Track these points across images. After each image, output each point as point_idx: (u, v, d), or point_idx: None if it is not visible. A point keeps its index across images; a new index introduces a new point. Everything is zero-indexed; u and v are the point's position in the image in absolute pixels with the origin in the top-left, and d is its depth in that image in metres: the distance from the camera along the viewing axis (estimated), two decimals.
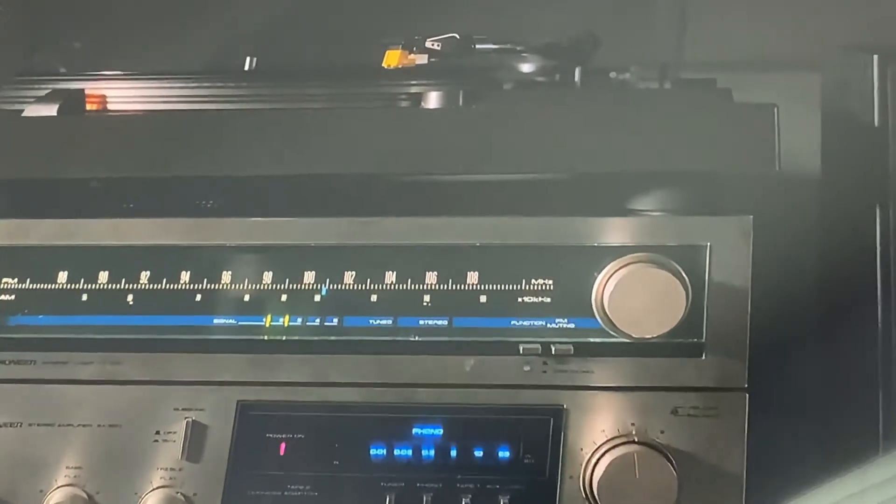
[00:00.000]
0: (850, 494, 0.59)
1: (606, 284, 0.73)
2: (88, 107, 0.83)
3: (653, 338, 0.73)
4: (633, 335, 0.73)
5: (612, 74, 0.98)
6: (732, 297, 0.74)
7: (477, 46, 0.89)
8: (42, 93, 0.82)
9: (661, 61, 0.95)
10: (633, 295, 0.72)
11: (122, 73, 0.88)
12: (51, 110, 0.79)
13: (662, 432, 0.75)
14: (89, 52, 1.11)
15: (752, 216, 0.74)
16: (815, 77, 0.99)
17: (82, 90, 0.83)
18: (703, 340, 0.75)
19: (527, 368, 0.76)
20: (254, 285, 0.77)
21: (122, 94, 0.85)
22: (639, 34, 1.09)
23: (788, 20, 1.08)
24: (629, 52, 1.01)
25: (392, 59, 0.88)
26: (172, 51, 1.10)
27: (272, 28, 1.12)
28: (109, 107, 0.84)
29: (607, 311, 0.73)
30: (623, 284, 0.72)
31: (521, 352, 0.76)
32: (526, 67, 0.95)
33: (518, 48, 0.91)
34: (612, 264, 0.74)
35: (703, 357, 0.75)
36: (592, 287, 0.74)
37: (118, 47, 1.11)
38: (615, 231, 0.75)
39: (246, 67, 0.97)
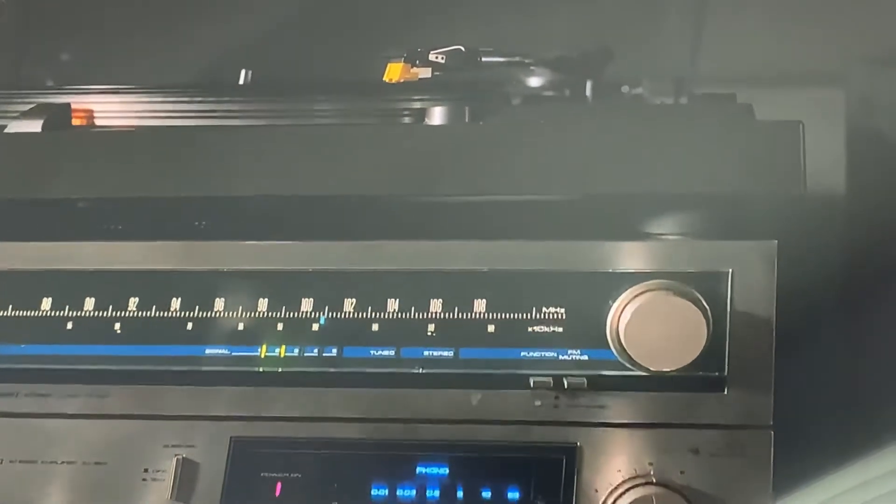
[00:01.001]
0: (851, 487, 0.59)
1: (622, 314, 0.71)
2: (75, 122, 0.81)
3: (672, 371, 0.70)
4: (651, 368, 0.70)
5: (624, 88, 0.96)
6: (756, 327, 0.71)
7: (483, 59, 0.87)
8: (27, 107, 0.80)
9: (676, 75, 0.92)
10: (651, 325, 0.69)
11: (111, 86, 0.85)
12: (35, 126, 0.77)
13: (682, 472, 0.72)
14: (78, 64, 1.10)
15: (776, 241, 0.71)
16: (838, 92, 0.96)
17: (68, 104, 0.81)
18: (725, 374, 0.72)
19: (538, 403, 0.73)
20: (248, 313, 0.75)
21: (110, 109, 0.83)
22: (650, 46, 1.07)
23: (809, 32, 1.05)
24: (640, 64, 0.99)
25: (394, 72, 0.86)
26: (164, 63, 1.09)
27: (268, 40, 1.11)
28: (97, 122, 0.82)
29: (623, 342, 0.70)
30: (640, 314, 0.70)
31: (531, 385, 0.73)
32: (534, 81, 0.94)
33: (526, 61, 0.89)
34: (627, 292, 0.71)
35: (726, 392, 0.72)
36: (607, 316, 0.72)
37: (107, 59, 1.10)
38: (631, 256, 0.72)
39: (241, 81, 0.95)
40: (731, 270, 0.71)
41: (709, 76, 1.04)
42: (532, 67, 0.91)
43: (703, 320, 0.69)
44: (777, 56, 1.05)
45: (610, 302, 0.72)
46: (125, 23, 1.12)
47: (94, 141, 0.77)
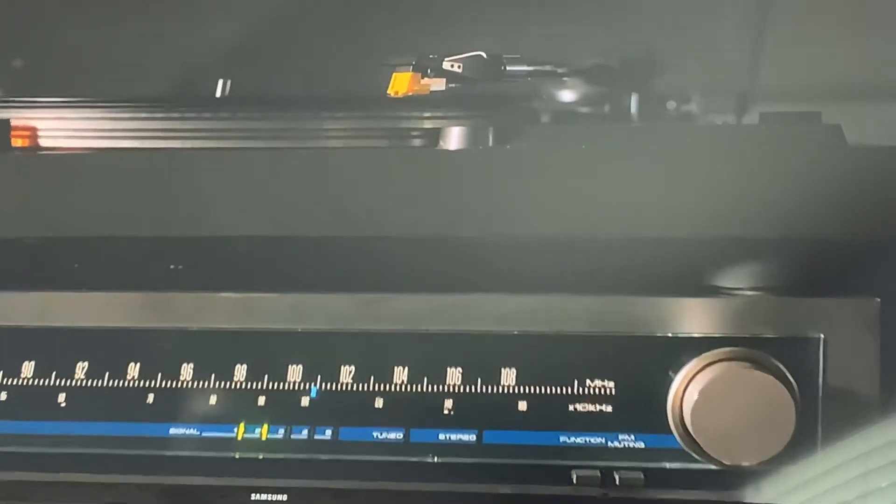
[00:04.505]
0: (853, 457, 0.59)
1: (687, 390, 0.65)
2: (15, 142, 0.75)
3: (751, 465, 0.64)
4: (725, 461, 0.64)
5: (671, 104, 0.91)
6: (856, 407, 0.65)
7: (508, 68, 0.80)
8: None
9: (735, 88, 0.89)
10: (724, 405, 0.63)
11: (61, 99, 0.78)
12: None
13: None
14: (33, 71, 1.05)
15: (878, 298, 0.65)
16: None
17: (7, 121, 0.74)
18: None
19: None
20: (223, 383, 0.69)
21: (59, 127, 0.76)
22: (700, 55, 1.00)
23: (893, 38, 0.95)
24: (689, 76, 0.93)
25: (401, 84, 0.79)
26: (127, 71, 1.03)
27: (250, 45, 1.05)
28: (42, 142, 0.75)
29: (689, 426, 0.64)
30: (709, 391, 0.63)
31: (574, 480, 0.66)
32: (567, 95, 0.89)
33: (559, 70, 0.83)
34: (693, 363, 0.65)
35: None
36: (668, 393, 0.66)
37: (67, 67, 1.04)
38: (697, 316, 0.66)
39: (217, 93, 0.89)
40: (822, 336, 0.65)
41: (771, 90, 0.95)
42: (564, 78, 0.86)
43: (790, 400, 0.63)
44: (854, 67, 0.98)
45: (671, 374, 0.66)
46: (87, 26, 1.07)
47: (39, 166, 0.71)
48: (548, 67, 0.83)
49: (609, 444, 0.66)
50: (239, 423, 0.68)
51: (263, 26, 1.05)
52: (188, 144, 0.74)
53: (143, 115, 0.76)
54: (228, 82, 0.89)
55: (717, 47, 1.01)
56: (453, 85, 0.81)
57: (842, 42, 0.98)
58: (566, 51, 0.87)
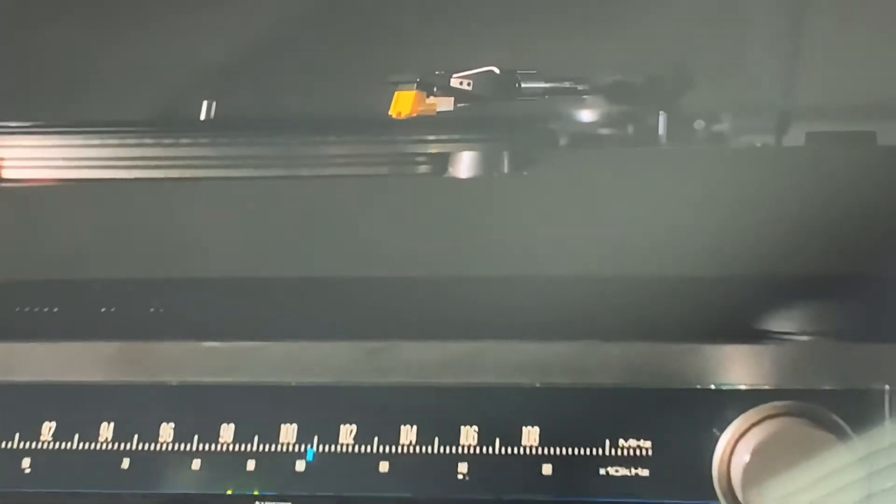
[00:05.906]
0: (858, 458, 0.57)
1: (735, 451, 0.60)
2: None
3: None
4: None
5: (698, 124, 0.88)
6: None
7: (523, 85, 0.77)
8: None
9: (770, 105, 0.85)
10: (777, 468, 0.58)
11: (28, 124, 0.76)
12: None
13: None
14: (3, 94, 1.01)
15: None
16: None
17: None
18: None
19: None
20: (207, 445, 0.65)
21: (26, 155, 0.73)
22: (729, 69, 0.97)
23: None
24: (717, 92, 0.89)
25: (404, 103, 0.76)
26: (105, 93, 1.00)
27: (237, 63, 1.02)
28: (6, 174, 0.72)
29: (738, 492, 0.60)
30: (762, 452, 0.59)
31: None
32: (586, 115, 0.86)
33: (579, 87, 0.78)
34: (741, 419, 0.61)
35: None
36: (713, 454, 0.61)
37: (35, 89, 1.02)
38: (744, 366, 0.62)
39: (202, 116, 0.86)
40: (887, 387, 0.61)
41: (809, 108, 0.93)
42: (585, 96, 0.82)
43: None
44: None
45: (716, 432, 0.61)
46: (61, 45, 1.05)
47: (2, 199, 0.69)
48: (566, 84, 0.79)
49: None
50: (225, 491, 0.64)
51: (251, 42, 1.04)
52: (169, 174, 0.71)
53: (119, 141, 0.73)
54: (214, 104, 0.88)
55: (749, 61, 0.98)
56: (462, 104, 0.77)
57: (886, 55, 0.94)
58: (586, 66, 0.84)
